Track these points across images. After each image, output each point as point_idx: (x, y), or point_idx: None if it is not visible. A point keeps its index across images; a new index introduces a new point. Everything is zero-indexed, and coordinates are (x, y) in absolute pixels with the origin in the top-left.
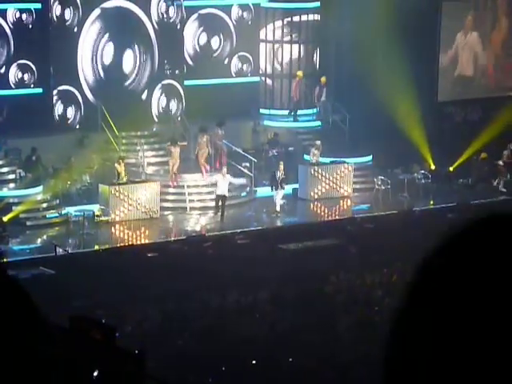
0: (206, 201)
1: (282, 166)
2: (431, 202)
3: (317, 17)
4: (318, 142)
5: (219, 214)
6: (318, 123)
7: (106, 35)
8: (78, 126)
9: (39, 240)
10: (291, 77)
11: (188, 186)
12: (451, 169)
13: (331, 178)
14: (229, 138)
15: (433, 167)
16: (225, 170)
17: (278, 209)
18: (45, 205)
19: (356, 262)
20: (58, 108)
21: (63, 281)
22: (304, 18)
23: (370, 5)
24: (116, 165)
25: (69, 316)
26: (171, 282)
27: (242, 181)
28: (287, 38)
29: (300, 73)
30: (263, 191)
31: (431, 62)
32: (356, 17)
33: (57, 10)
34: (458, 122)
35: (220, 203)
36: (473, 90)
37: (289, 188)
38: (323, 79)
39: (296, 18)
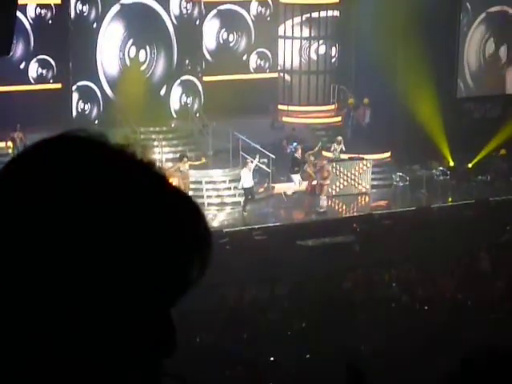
0: (223, 197)
1: (299, 151)
2: (449, 199)
3: (336, 13)
4: (339, 138)
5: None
6: (339, 119)
7: (125, 31)
8: (96, 122)
9: None
10: (310, 73)
11: (206, 182)
12: (470, 165)
13: (349, 175)
14: (247, 134)
15: (451, 164)
16: (250, 164)
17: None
18: None
19: (374, 258)
20: (77, 103)
21: None
22: (323, 13)
23: (390, 0)
24: None
25: None
26: None
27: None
28: (306, 34)
29: (366, 100)
30: (281, 187)
31: (451, 57)
32: (375, 12)
33: (76, 5)
34: (477, 119)
35: (250, 196)
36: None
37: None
38: (366, 101)
39: (315, 14)
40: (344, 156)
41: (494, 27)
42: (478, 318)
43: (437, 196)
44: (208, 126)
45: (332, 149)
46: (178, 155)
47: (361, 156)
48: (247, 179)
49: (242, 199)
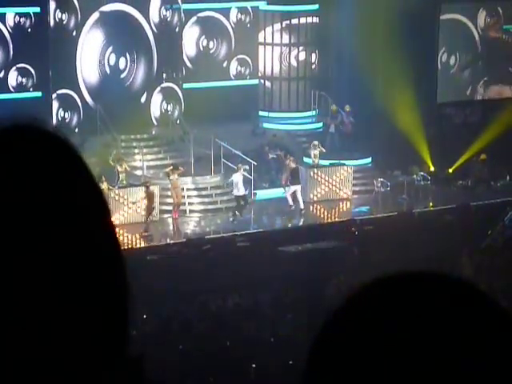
0: (205, 203)
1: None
2: (430, 204)
3: (316, 19)
4: (316, 142)
5: (237, 214)
6: (319, 125)
7: (105, 39)
8: (76, 130)
9: None
10: (290, 79)
11: (188, 189)
12: (450, 170)
13: (330, 181)
14: (228, 140)
15: (432, 169)
16: (242, 169)
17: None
18: None
19: (356, 264)
20: (57, 112)
21: None
22: (303, 20)
23: (369, 7)
24: (118, 166)
25: None
26: (171, 285)
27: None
28: (286, 41)
29: (347, 107)
30: (263, 194)
31: (430, 63)
32: (355, 19)
33: (56, 13)
34: (458, 124)
35: (242, 203)
36: None
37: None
38: (347, 108)
39: (295, 21)
40: (325, 162)
41: (445, 35)
42: None
43: (418, 201)
44: (189, 133)
45: (312, 155)
46: (158, 162)
47: (342, 162)
48: (241, 187)
49: (232, 205)
